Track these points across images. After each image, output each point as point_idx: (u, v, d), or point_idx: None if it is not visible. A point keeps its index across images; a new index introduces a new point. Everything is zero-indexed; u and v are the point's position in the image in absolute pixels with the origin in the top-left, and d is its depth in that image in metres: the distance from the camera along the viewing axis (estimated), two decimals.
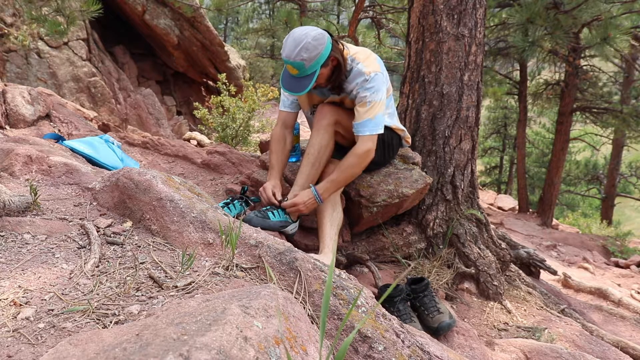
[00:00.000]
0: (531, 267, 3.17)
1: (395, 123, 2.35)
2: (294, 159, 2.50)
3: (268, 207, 2.07)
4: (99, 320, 1.04)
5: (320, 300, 1.24)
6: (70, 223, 1.51)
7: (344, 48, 2.07)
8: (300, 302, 1.23)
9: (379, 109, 2.07)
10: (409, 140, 2.52)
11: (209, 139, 7.92)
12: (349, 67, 2.08)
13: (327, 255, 1.99)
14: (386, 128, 2.22)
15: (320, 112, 2.19)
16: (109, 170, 2.29)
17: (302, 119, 2.64)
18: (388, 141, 2.30)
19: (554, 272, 3.29)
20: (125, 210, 1.59)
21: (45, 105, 3.60)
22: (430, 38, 2.66)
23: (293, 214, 2.09)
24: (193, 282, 1.23)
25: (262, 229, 1.90)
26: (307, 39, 1.89)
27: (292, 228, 2.11)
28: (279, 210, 2.04)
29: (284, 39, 1.98)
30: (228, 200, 2.23)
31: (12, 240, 1.35)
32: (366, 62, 2.09)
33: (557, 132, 9.61)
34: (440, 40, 2.64)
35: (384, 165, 2.42)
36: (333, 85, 2.12)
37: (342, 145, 2.27)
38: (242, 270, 1.34)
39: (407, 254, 2.58)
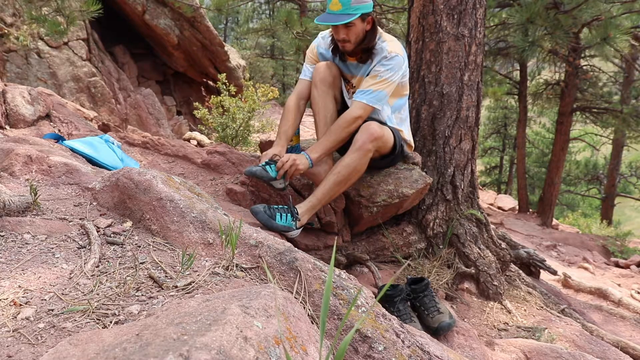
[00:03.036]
0: (531, 267, 3.17)
1: (405, 130, 2.37)
2: None
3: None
4: (99, 320, 1.04)
5: (320, 300, 1.24)
6: (70, 223, 1.51)
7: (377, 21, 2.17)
8: (300, 302, 1.23)
9: (386, 87, 2.13)
10: (412, 146, 2.52)
11: (209, 139, 7.92)
12: (376, 41, 2.16)
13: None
14: (396, 134, 2.27)
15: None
16: (109, 170, 2.29)
17: (303, 120, 2.64)
18: (399, 148, 2.32)
19: (554, 272, 3.29)
20: (125, 210, 1.59)
21: (45, 105, 3.60)
22: (430, 38, 2.66)
23: (287, 177, 2.05)
24: (193, 282, 1.23)
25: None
26: None
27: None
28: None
29: None
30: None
31: (12, 240, 1.35)
32: (391, 43, 2.17)
33: (557, 132, 9.61)
34: (440, 40, 2.64)
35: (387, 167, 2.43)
36: (362, 48, 2.15)
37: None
38: (242, 270, 1.34)
39: (407, 254, 2.58)
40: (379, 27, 2.19)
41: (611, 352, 2.23)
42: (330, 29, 2.25)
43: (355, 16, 2.01)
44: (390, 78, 2.13)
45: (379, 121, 2.23)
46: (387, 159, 2.34)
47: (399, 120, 2.36)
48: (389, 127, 2.27)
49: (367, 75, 2.17)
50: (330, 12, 2.03)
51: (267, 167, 2.01)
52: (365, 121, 2.16)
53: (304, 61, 2.49)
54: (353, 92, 2.31)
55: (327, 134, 2.13)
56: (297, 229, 2.08)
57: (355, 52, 2.19)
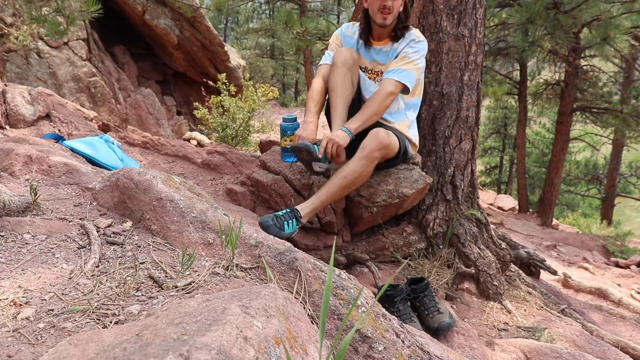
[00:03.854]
0: (531, 267, 3.17)
1: (412, 136, 2.41)
2: (294, 159, 2.49)
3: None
4: (99, 320, 1.04)
5: (320, 300, 1.24)
6: (70, 223, 1.51)
7: None
8: (300, 302, 1.23)
9: (414, 68, 2.22)
10: (417, 146, 2.53)
11: (209, 139, 7.92)
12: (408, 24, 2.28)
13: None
14: (401, 138, 2.30)
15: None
16: (109, 170, 2.29)
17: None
18: (402, 152, 2.34)
19: (554, 272, 3.29)
20: (125, 210, 1.59)
21: (45, 105, 3.59)
22: (430, 38, 2.66)
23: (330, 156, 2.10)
24: (193, 282, 1.23)
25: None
26: None
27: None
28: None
29: None
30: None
31: (12, 240, 1.35)
32: (418, 32, 2.29)
33: (557, 132, 9.61)
34: (440, 40, 2.64)
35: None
36: (398, 25, 2.25)
37: None
38: (242, 270, 1.34)
39: (407, 254, 2.58)
40: None
41: (611, 352, 2.23)
42: (354, 21, 2.39)
43: None
44: (418, 61, 2.22)
45: (386, 126, 2.27)
46: (390, 162, 2.36)
47: (412, 119, 2.41)
48: (398, 131, 2.30)
49: (396, 57, 2.25)
50: None
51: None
52: (374, 126, 2.19)
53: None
54: (374, 79, 2.37)
55: (363, 108, 2.19)
56: (297, 222, 2.10)
57: (385, 32, 2.29)
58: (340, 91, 2.26)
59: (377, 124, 2.24)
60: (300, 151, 2.08)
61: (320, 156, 2.08)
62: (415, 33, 2.26)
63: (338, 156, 2.10)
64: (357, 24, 2.39)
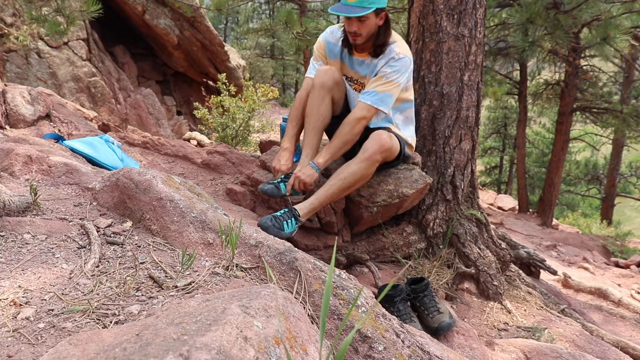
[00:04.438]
0: (531, 267, 3.17)
1: (408, 133, 2.37)
2: (295, 159, 2.49)
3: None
4: (99, 320, 1.04)
5: (320, 300, 1.24)
6: (70, 223, 1.51)
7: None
8: (300, 302, 1.23)
9: (391, 88, 2.12)
10: (413, 147, 2.52)
11: (209, 139, 7.92)
12: (388, 39, 2.16)
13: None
14: (402, 141, 2.28)
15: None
16: (109, 170, 2.29)
17: None
18: (402, 155, 2.33)
19: (554, 272, 3.29)
20: (125, 210, 1.59)
21: (45, 105, 3.59)
22: (430, 38, 2.66)
23: (297, 188, 2.11)
24: (193, 282, 1.23)
25: (269, 194, 2.09)
26: None
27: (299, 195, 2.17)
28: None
29: None
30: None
31: (12, 240, 1.35)
32: (399, 43, 2.17)
33: (557, 132, 9.61)
34: (440, 40, 2.64)
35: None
36: (374, 44, 2.15)
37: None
38: (242, 270, 1.34)
39: (407, 254, 2.58)
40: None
41: (611, 352, 2.23)
42: (340, 24, 2.26)
43: (369, 10, 2.00)
44: (396, 80, 2.12)
45: (386, 128, 2.24)
46: (390, 164, 2.35)
47: (401, 120, 2.34)
48: (395, 133, 2.28)
49: (374, 75, 2.16)
50: (346, 3, 2.04)
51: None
52: (375, 127, 2.18)
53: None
54: (358, 90, 2.31)
55: (333, 138, 2.15)
56: (295, 221, 2.10)
57: (364, 47, 2.18)
58: (314, 118, 2.20)
59: (366, 129, 2.19)
60: (267, 194, 2.10)
61: (288, 193, 2.12)
62: (395, 49, 2.13)
63: (306, 189, 2.11)
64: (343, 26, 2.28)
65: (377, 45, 2.15)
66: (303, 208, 2.08)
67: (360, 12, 1.99)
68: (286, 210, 2.05)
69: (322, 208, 2.18)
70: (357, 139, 2.16)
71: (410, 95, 2.34)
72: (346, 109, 2.33)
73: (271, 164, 2.22)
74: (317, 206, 2.12)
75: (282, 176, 2.17)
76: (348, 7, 2.03)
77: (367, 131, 2.20)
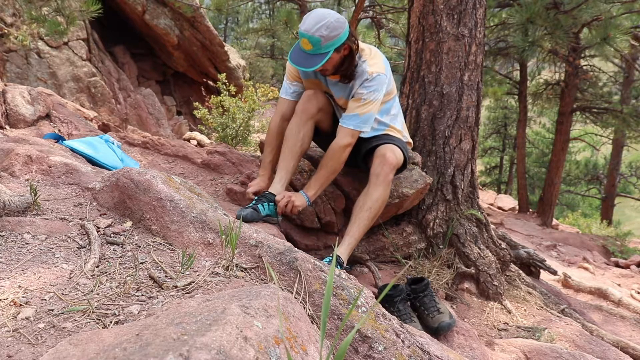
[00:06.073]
0: (531, 267, 3.17)
1: (399, 126, 2.32)
2: None
3: (257, 199, 2.05)
4: (99, 320, 1.04)
5: (320, 300, 1.24)
6: (70, 223, 1.51)
7: (357, 41, 2.08)
8: (300, 302, 1.23)
9: (371, 108, 2.08)
10: (411, 143, 2.51)
11: (209, 139, 7.91)
12: (356, 63, 2.09)
13: None
14: (404, 148, 2.24)
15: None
16: (109, 170, 2.29)
17: None
18: (406, 158, 2.28)
19: (554, 272, 3.29)
20: (125, 210, 1.59)
21: (45, 105, 3.59)
22: (430, 38, 2.66)
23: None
24: (193, 282, 1.23)
25: (254, 222, 1.95)
26: (330, 18, 1.91)
27: (278, 219, 2.11)
28: (266, 203, 2.03)
29: (304, 16, 1.98)
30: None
31: (12, 240, 1.35)
32: (372, 61, 2.09)
33: (557, 132, 9.61)
34: (440, 40, 2.64)
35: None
36: (341, 74, 2.10)
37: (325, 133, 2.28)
38: (242, 270, 1.34)
39: (407, 254, 2.58)
40: (360, 44, 2.10)
41: (611, 352, 2.23)
42: None
43: (327, 55, 1.94)
44: (374, 98, 2.07)
45: (386, 135, 2.22)
46: (398, 172, 2.32)
47: (389, 119, 2.30)
48: (394, 136, 2.26)
49: (351, 98, 2.11)
50: (303, 51, 1.98)
51: (259, 205, 2.01)
52: (372, 136, 2.17)
53: None
54: (339, 108, 2.28)
55: (319, 168, 2.12)
56: (341, 268, 2.03)
57: (334, 74, 2.13)
58: (291, 143, 2.15)
59: (360, 140, 2.15)
60: (247, 221, 1.92)
61: (279, 213, 2.07)
62: (367, 69, 2.05)
63: (292, 213, 2.08)
64: None
65: (346, 75, 2.10)
66: (343, 253, 2.07)
67: (319, 63, 1.93)
68: (259, 197, 2.07)
69: (324, 209, 2.18)
70: (341, 167, 2.14)
71: (391, 93, 2.26)
72: (335, 122, 2.27)
73: (247, 192, 2.18)
74: (354, 244, 2.11)
75: (255, 198, 2.10)
76: (307, 56, 1.96)
77: (366, 142, 2.19)
